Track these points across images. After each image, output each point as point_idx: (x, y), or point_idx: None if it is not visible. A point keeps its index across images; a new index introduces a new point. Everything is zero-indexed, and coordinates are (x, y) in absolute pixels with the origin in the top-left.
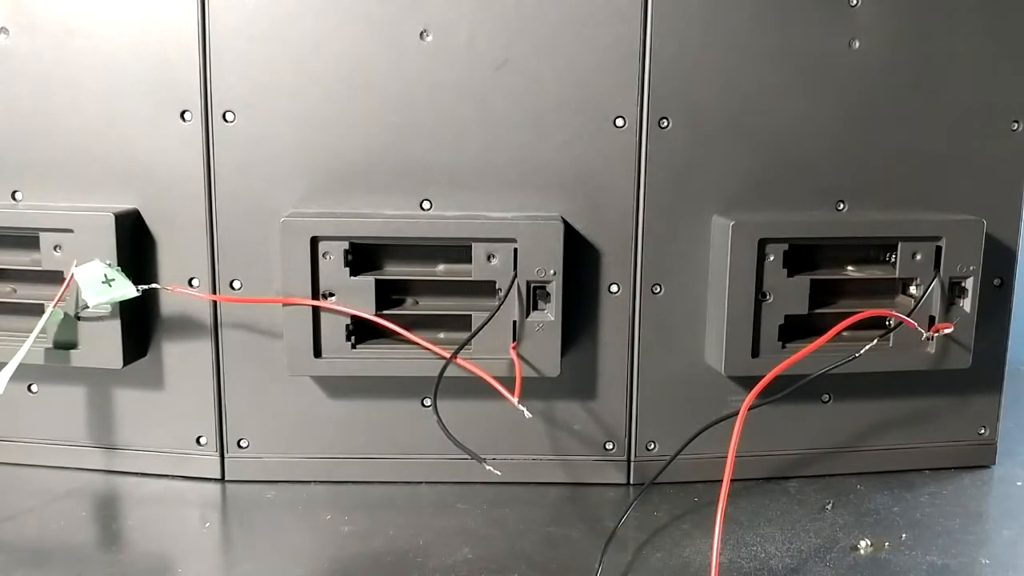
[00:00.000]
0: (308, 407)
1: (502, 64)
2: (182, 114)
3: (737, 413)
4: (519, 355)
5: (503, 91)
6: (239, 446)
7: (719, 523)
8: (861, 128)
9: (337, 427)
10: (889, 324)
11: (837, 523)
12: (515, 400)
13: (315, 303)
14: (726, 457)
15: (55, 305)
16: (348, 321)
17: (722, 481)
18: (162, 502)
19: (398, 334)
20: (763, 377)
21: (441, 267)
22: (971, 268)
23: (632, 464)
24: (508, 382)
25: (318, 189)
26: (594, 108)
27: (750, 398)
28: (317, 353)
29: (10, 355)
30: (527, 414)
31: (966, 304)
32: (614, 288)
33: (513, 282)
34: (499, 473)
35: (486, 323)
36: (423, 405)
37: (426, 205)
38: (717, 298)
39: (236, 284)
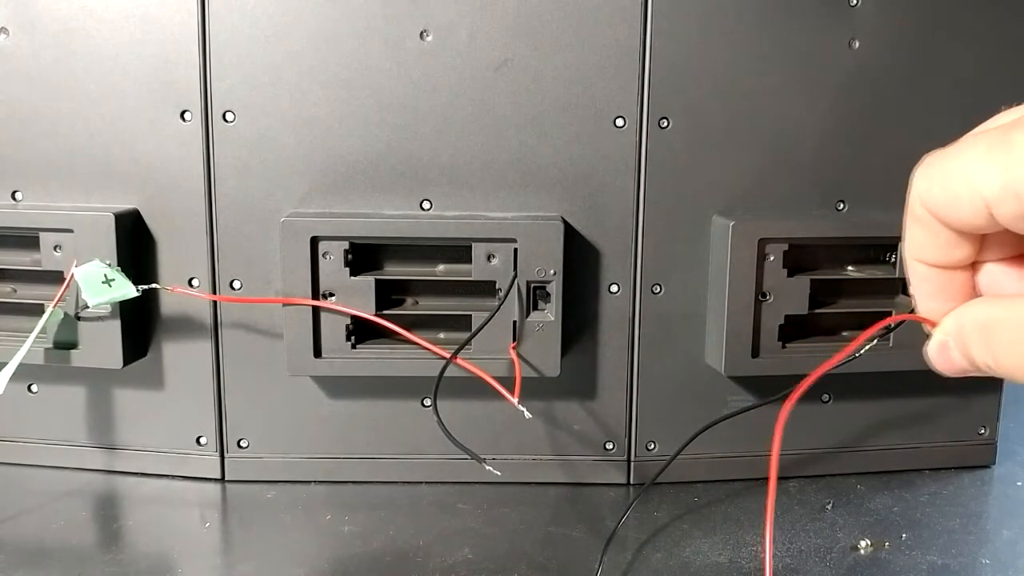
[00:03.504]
0: (308, 407)
1: (502, 64)
2: (182, 114)
3: (737, 413)
4: (519, 355)
5: (503, 91)
6: (239, 446)
7: (770, 521)
8: (861, 128)
9: (337, 427)
10: (889, 324)
11: (837, 523)
12: (515, 400)
13: (315, 303)
14: (770, 454)
15: (55, 305)
16: (348, 321)
17: (769, 478)
18: (162, 502)
19: (398, 334)
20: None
21: (441, 267)
22: None
23: (632, 464)
24: (508, 382)
25: (318, 189)
26: (594, 108)
27: (801, 390)
28: (317, 353)
29: (10, 355)
30: (527, 414)
31: None
32: (614, 288)
33: (513, 282)
34: (499, 473)
35: (486, 323)
36: (423, 405)
37: (426, 205)
38: (717, 298)
39: (236, 284)
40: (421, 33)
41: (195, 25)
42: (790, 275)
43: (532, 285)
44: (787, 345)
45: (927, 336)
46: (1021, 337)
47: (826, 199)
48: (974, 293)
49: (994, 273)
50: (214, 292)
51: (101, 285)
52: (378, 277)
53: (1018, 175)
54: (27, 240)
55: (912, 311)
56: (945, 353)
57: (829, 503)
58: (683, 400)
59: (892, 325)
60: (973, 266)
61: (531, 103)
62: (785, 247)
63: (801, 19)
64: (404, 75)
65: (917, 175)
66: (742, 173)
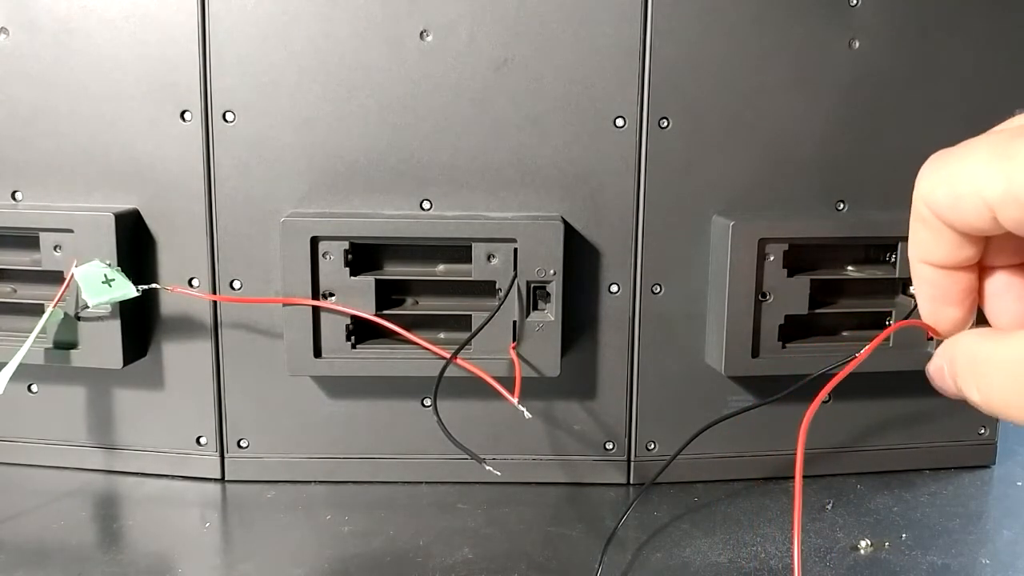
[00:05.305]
0: (308, 407)
1: (502, 64)
2: (182, 114)
3: (737, 413)
4: (519, 355)
5: (503, 91)
6: (239, 446)
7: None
8: (861, 128)
9: (337, 427)
10: (888, 324)
11: (837, 523)
12: (515, 400)
13: (315, 303)
14: (795, 452)
15: (55, 305)
16: (348, 321)
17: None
18: (162, 502)
19: (398, 334)
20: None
21: (441, 267)
22: None
23: (632, 464)
24: (508, 382)
25: (318, 189)
26: (594, 108)
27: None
28: (317, 353)
29: (10, 355)
30: (527, 414)
31: None
32: (614, 288)
33: (513, 282)
34: (499, 473)
35: (486, 323)
36: (423, 405)
37: (426, 205)
38: (717, 298)
39: (236, 284)
40: (421, 33)
41: (195, 25)
42: (790, 275)
43: (532, 285)
44: (787, 345)
45: (928, 340)
46: (1010, 377)
47: (826, 199)
48: (976, 298)
49: (1003, 280)
50: (214, 292)
51: (101, 285)
52: (378, 277)
53: (1020, 182)
54: (27, 240)
55: (913, 310)
56: (941, 378)
57: (829, 503)
58: (683, 400)
59: (892, 335)
60: (981, 272)
61: (531, 103)
62: (785, 247)
63: (801, 19)
64: (404, 75)
65: (921, 176)
66: (742, 173)
